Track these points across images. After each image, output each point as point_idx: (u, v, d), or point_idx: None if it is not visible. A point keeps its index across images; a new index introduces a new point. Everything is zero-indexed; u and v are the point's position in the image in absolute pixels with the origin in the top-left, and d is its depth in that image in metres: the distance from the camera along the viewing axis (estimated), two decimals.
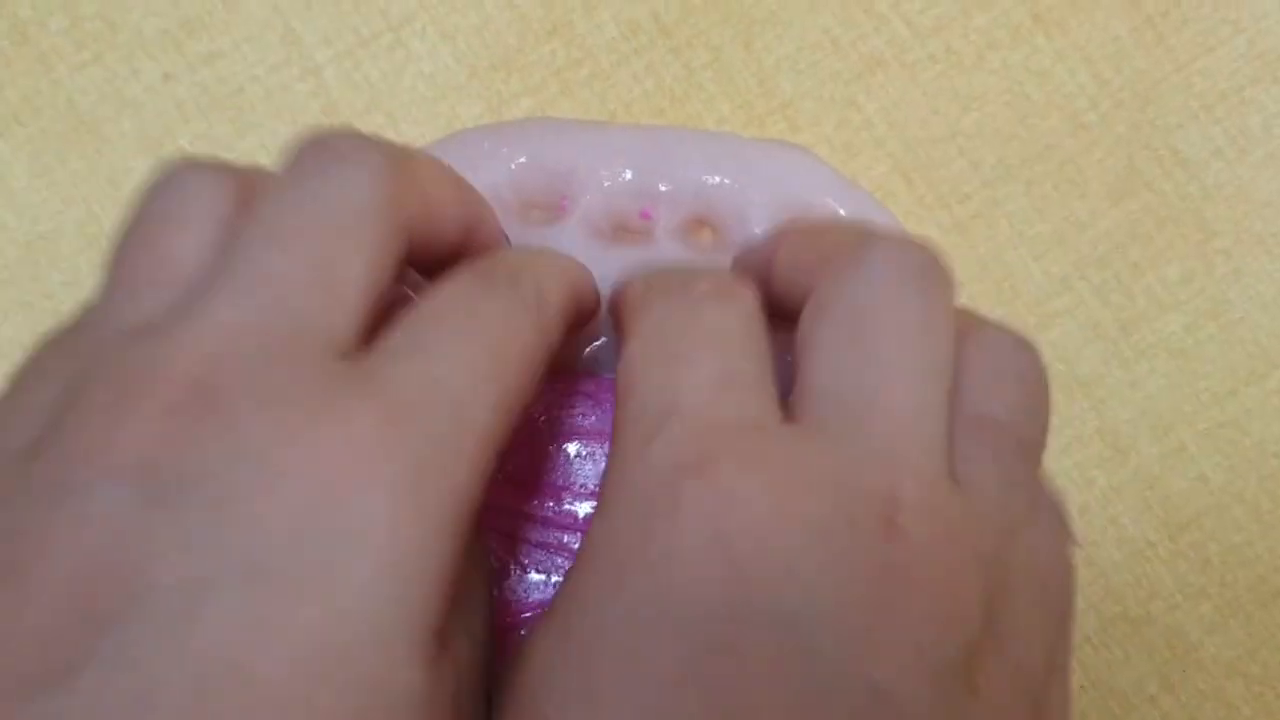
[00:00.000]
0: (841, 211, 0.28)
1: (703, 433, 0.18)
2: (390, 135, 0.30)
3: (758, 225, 0.28)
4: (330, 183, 0.19)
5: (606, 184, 0.28)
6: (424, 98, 0.31)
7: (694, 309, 0.21)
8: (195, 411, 0.17)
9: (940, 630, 0.17)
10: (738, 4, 0.31)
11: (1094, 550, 0.29)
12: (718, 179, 0.28)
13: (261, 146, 0.30)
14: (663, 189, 0.28)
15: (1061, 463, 0.29)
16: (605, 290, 0.26)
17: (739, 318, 0.20)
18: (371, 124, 0.30)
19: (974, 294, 0.30)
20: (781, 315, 0.22)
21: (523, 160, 0.28)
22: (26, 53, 0.31)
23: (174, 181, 0.20)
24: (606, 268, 0.27)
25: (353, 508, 0.16)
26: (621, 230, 0.28)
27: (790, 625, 0.17)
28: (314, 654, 0.16)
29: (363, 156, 0.20)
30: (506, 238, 0.26)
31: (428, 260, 0.22)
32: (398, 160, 0.20)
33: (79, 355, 0.18)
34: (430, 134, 0.30)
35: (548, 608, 0.19)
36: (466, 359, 0.18)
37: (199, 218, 0.19)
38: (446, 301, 0.19)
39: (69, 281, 0.30)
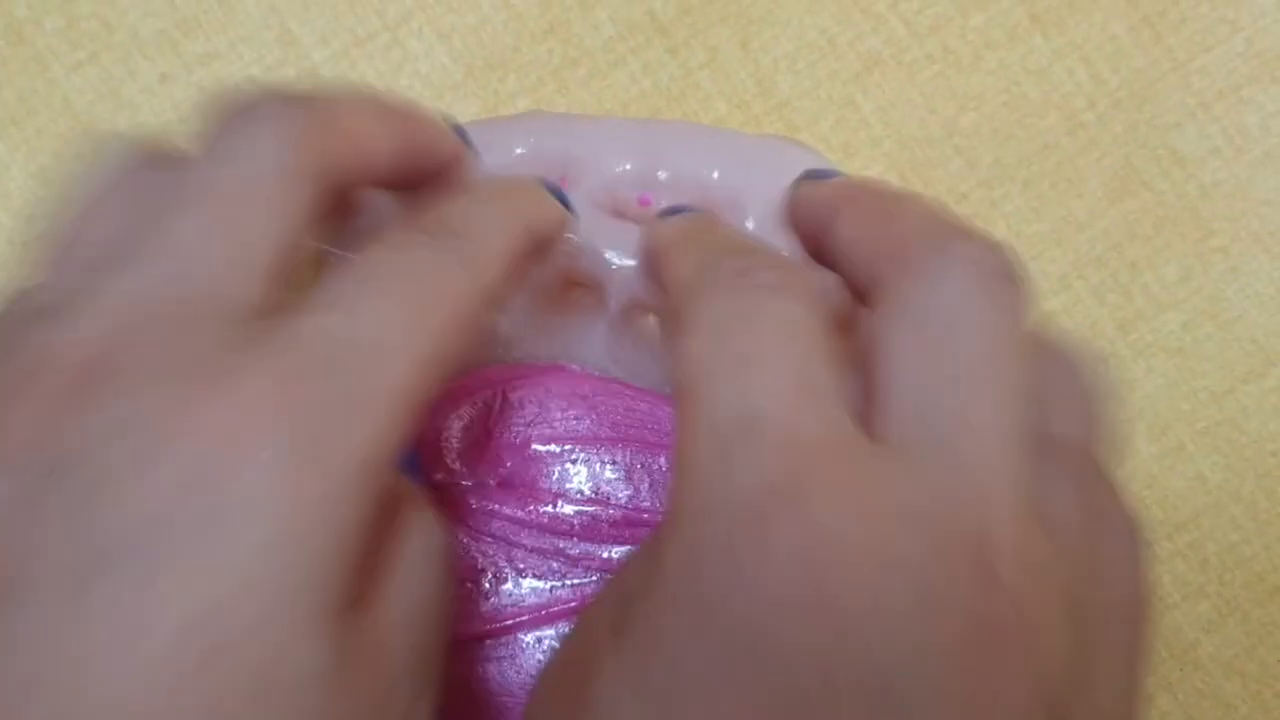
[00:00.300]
0: None
1: (789, 450, 0.17)
2: None
3: (752, 218, 0.28)
4: (236, 141, 0.19)
5: (605, 172, 0.28)
6: (421, 97, 0.31)
7: (759, 302, 0.19)
8: (85, 392, 0.16)
9: (1033, 689, 0.16)
10: (735, 3, 0.31)
11: None
12: (715, 173, 0.28)
13: None
14: (661, 177, 0.28)
15: None
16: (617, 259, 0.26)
17: (811, 312, 0.19)
18: None
19: None
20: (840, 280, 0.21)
21: (520, 152, 0.28)
22: (23, 53, 0.31)
23: (89, 162, 0.20)
24: (612, 238, 0.27)
25: (239, 475, 0.16)
26: (621, 216, 0.28)
27: (884, 682, 0.16)
28: (201, 631, 0.15)
29: (270, 111, 0.19)
30: (473, 152, 0.25)
31: (393, 187, 0.22)
32: (311, 109, 0.19)
33: None
34: None
35: (616, 628, 0.18)
36: (381, 312, 0.18)
37: (108, 193, 0.19)
38: (369, 257, 0.19)
39: None
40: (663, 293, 0.22)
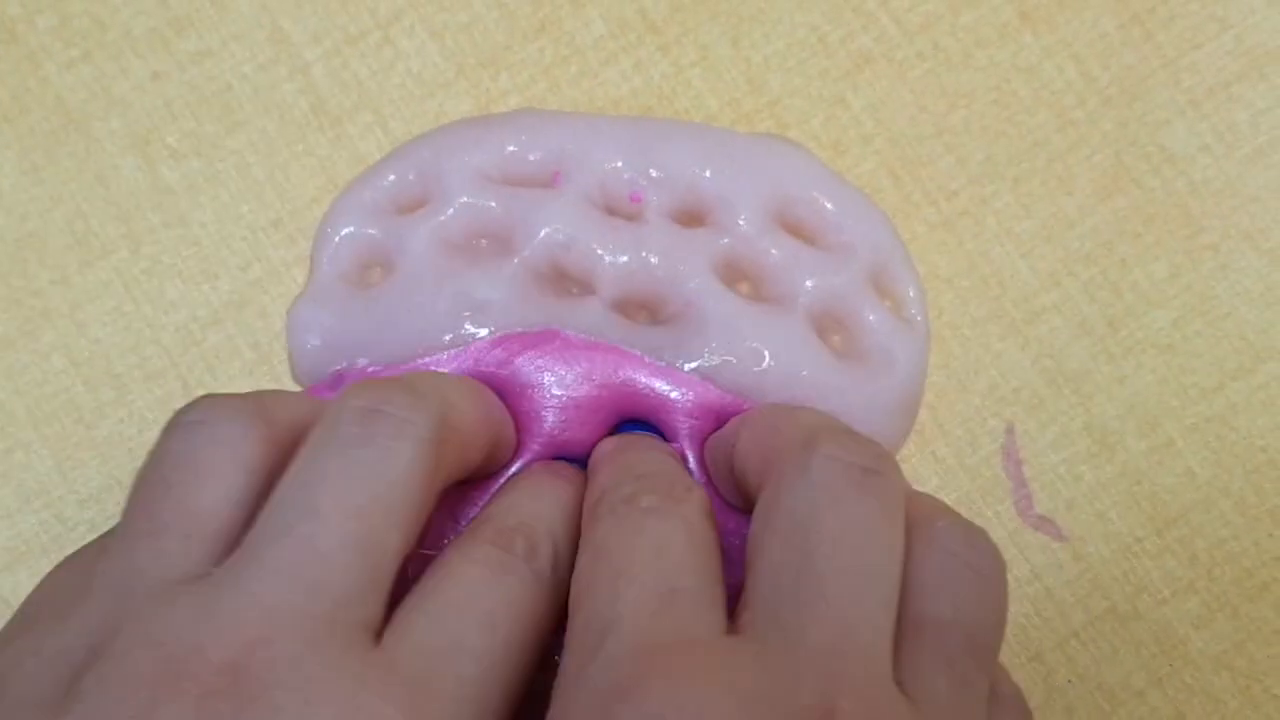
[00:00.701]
0: (829, 205, 0.28)
1: (638, 653, 0.18)
2: (379, 133, 0.30)
3: (744, 216, 0.28)
4: (375, 454, 0.19)
5: (597, 169, 0.28)
6: (412, 95, 0.31)
7: (638, 523, 0.21)
8: (233, 699, 0.17)
9: None
10: (725, 1, 0.31)
11: (1081, 546, 0.29)
12: (707, 171, 0.28)
13: (250, 144, 0.30)
14: (653, 175, 0.28)
15: (1049, 458, 0.29)
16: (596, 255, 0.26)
17: (684, 529, 0.21)
18: (360, 122, 0.30)
19: (961, 291, 0.30)
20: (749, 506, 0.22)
21: (513, 149, 0.28)
22: (15, 51, 0.31)
23: (201, 423, 0.20)
24: (603, 237, 0.27)
25: None
26: (613, 213, 0.28)
27: None
28: None
29: (413, 429, 0.20)
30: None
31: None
32: (443, 422, 0.21)
33: (103, 601, 0.18)
34: (418, 131, 0.30)
35: None
36: (488, 655, 0.19)
37: (227, 468, 0.20)
38: (468, 583, 0.20)
39: (57, 280, 0.30)
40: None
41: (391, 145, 0.30)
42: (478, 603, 0.20)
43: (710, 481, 0.26)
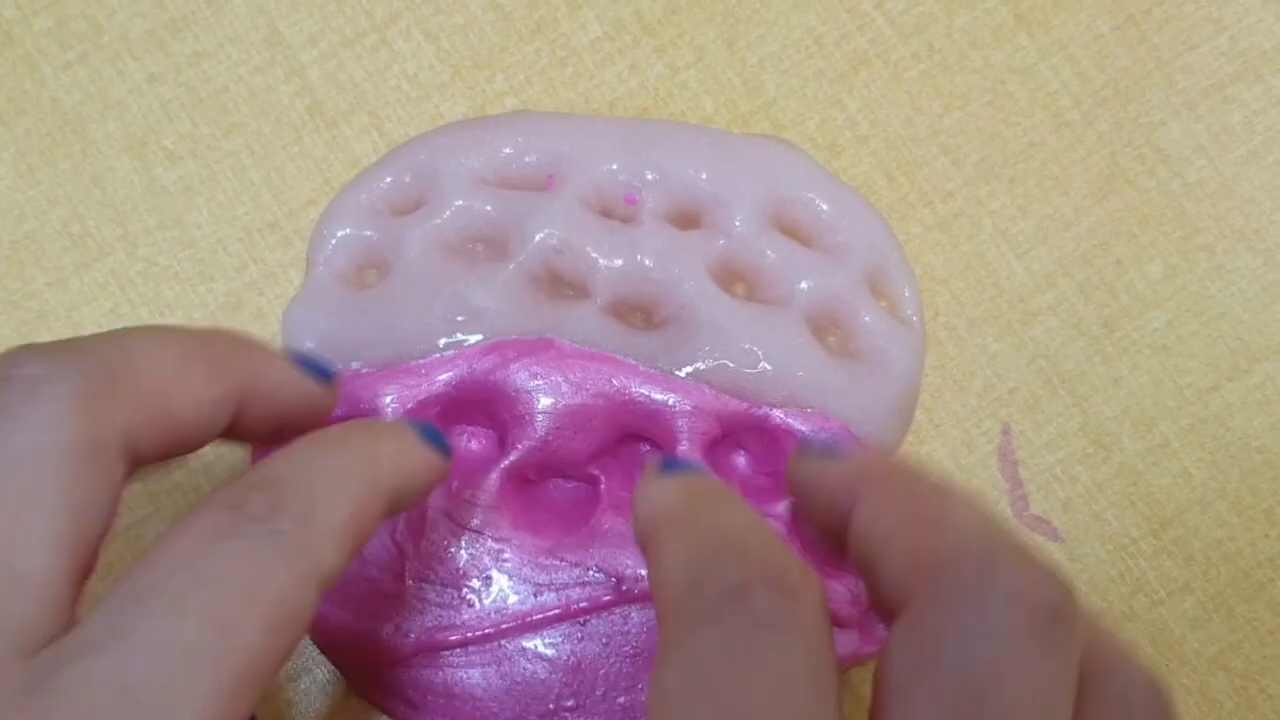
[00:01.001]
0: (825, 206, 0.28)
1: None
2: (375, 135, 0.30)
3: (740, 217, 0.28)
4: (6, 425, 0.16)
5: (592, 171, 0.28)
6: (408, 97, 0.31)
7: (751, 641, 0.16)
8: None
9: None
10: (721, 3, 0.31)
11: (1077, 547, 0.29)
12: (703, 174, 0.28)
13: (246, 147, 0.30)
14: (649, 177, 0.28)
15: (1044, 459, 0.29)
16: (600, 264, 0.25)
17: (810, 657, 0.16)
18: (356, 124, 0.31)
19: (956, 291, 0.30)
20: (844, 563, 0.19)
21: (508, 151, 0.28)
22: (11, 53, 0.31)
23: None
24: (598, 240, 0.27)
25: None
26: (608, 215, 0.28)
27: None
28: None
29: (52, 387, 0.16)
30: (330, 388, 0.22)
31: (248, 440, 0.19)
32: (106, 372, 0.17)
33: None
34: (414, 133, 0.30)
35: None
36: (179, 642, 0.15)
37: None
38: (163, 556, 0.16)
39: (53, 282, 0.30)
40: (651, 576, 0.19)
41: (388, 147, 0.30)
42: (173, 574, 0.16)
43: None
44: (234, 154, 0.30)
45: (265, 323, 0.30)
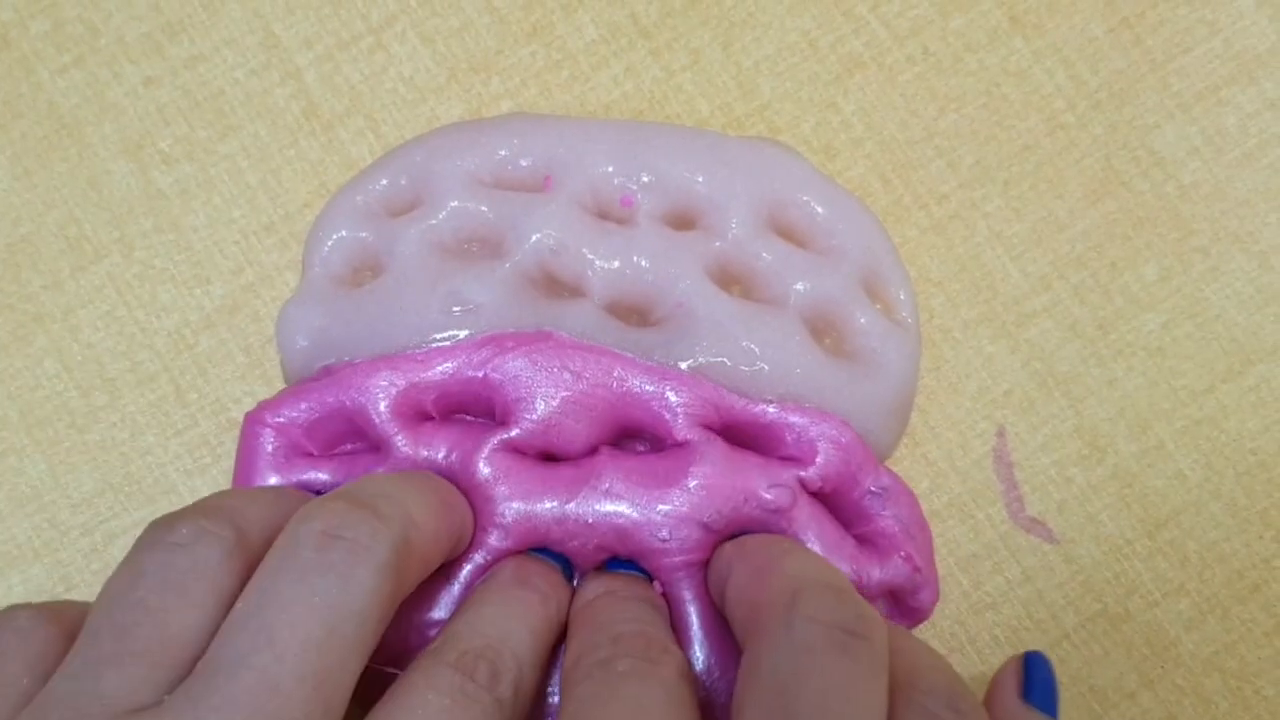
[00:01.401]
0: (820, 209, 0.28)
1: None
2: (370, 137, 0.31)
3: (735, 219, 0.28)
4: (333, 583, 0.19)
5: (588, 173, 0.28)
6: (404, 100, 0.31)
7: (614, 688, 0.21)
8: None
9: None
10: (717, 6, 0.31)
11: (1072, 548, 0.29)
12: (699, 176, 0.28)
13: (242, 149, 0.31)
14: (644, 179, 0.28)
15: (1040, 461, 0.29)
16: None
17: (661, 692, 0.21)
18: (352, 126, 0.31)
19: (951, 294, 0.30)
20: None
21: (504, 154, 0.28)
22: (8, 56, 0.31)
23: (180, 546, 0.20)
24: (593, 242, 0.27)
25: None
26: (605, 217, 0.28)
27: None
28: None
29: (369, 557, 0.20)
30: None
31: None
32: (403, 542, 0.21)
33: None
34: (410, 135, 0.30)
35: None
36: None
37: (206, 597, 0.20)
38: (425, 713, 0.20)
39: (50, 285, 0.30)
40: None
41: (383, 149, 0.30)
42: None
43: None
44: (230, 157, 0.30)
45: (262, 325, 0.30)
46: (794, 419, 0.27)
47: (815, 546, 0.26)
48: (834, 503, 0.28)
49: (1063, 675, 0.28)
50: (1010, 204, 0.30)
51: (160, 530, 0.21)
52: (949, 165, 0.30)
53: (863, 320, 0.28)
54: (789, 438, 0.27)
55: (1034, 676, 0.24)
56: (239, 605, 0.19)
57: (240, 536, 0.21)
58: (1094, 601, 0.29)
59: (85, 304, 0.30)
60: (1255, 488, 0.29)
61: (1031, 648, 0.28)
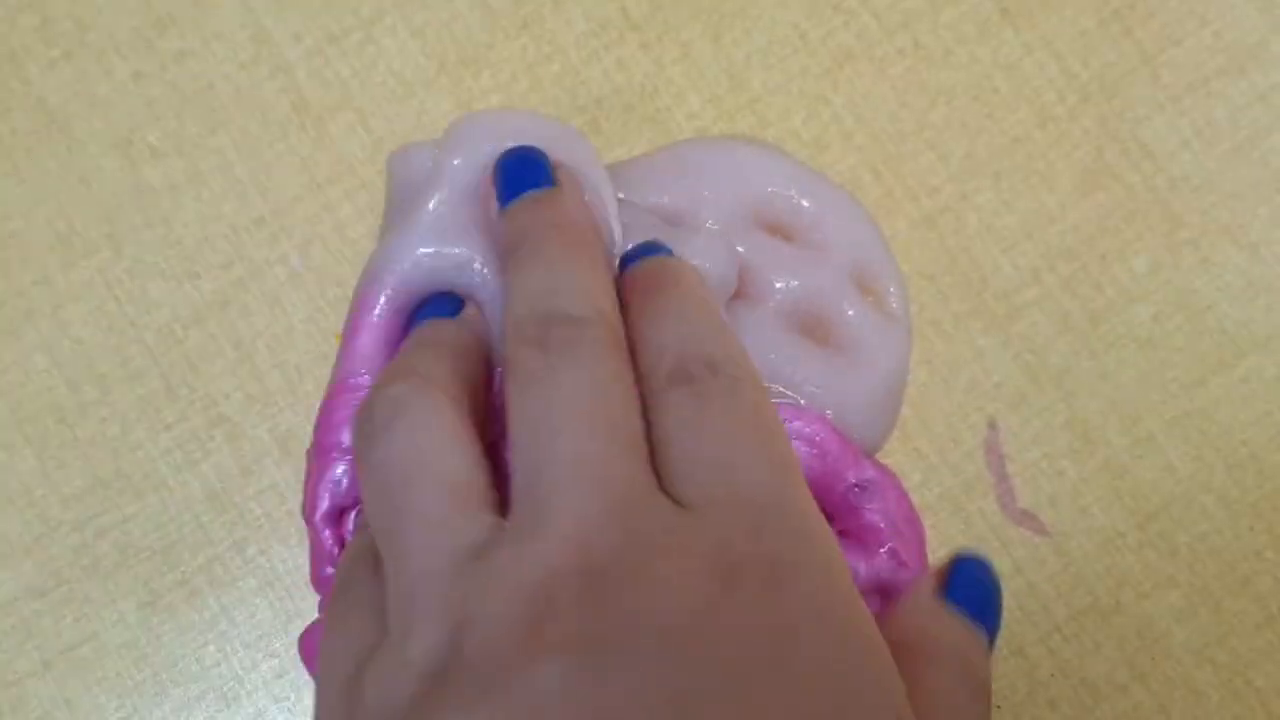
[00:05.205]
0: (807, 203, 0.28)
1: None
2: (361, 131, 0.30)
3: (710, 220, 0.28)
4: (577, 365, 0.20)
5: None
6: (394, 94, 0.31)
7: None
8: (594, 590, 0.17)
9: None
10: None
11: (1063, 541, 0.29)
12: (664, 197, 0.28)
13: (231, 144, 0.30)
14: (620, 196, 0.28)
15: (1031, 454, 0.29)
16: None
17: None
18: (342, 120, 0.31)
19: (942, 287, 0.30)
20: None
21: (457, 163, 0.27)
22: None
23: (392, 418, 0.20)
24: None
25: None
26: None
27: None
28: None
29: (588, 332, 0.21)
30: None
31: None
32: (603, 324, 0.21)
33: (429, 596, 0.18)
34: (400, 130, 0.30)
35: None
36: (769, 462, 0.20)
37: (446, 440, 0.20)
38: (698, 419, 0.20)
39: (40, 280, 0.30)
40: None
41: (373, 144, 0.30)
42: (720, 438, 0.20)
43: None
44: (220, 151, 0.30)
45: (251, 319, 0.30)
46: None
47: None
48: (816, 497, 0.27)
49: (1054, 667, 0.28)
50: (1001, 197, 0.30)
51: (363, 423, 0.21)
52: (940, 158, 0.30)
53: (852, 313, 0.28)
54: None
55: (960, 576, 0.22)
56: (511, 423, 0.20)
57: (429, 379, 0.21)
58: (1085, 594, 0.29)
59: (75, 299, 0.30)
60: (1246, 480, 0.29)
61: (1023, 640, 0.29)
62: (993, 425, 0.30)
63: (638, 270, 0.24)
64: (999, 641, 0.28)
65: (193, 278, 0.30)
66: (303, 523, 0.23)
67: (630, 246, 0.25)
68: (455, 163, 0.25)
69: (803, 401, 0.27)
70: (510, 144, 0.25)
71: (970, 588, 0.21)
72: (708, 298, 0.23)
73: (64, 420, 0.30)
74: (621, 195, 0.27)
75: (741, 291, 0.28)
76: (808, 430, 0.27)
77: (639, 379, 0.21)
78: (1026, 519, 0.29)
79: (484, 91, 0.31)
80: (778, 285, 0.28)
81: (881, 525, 0.27)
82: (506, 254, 0.23)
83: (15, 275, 0.30)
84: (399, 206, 0.27)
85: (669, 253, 0.24)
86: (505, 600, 0.17)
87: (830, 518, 0.28)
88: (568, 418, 0.19)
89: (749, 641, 0.17)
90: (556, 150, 0.26)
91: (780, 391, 0.27)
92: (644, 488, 0.19)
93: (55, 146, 0.30)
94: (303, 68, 0.31)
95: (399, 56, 0.31)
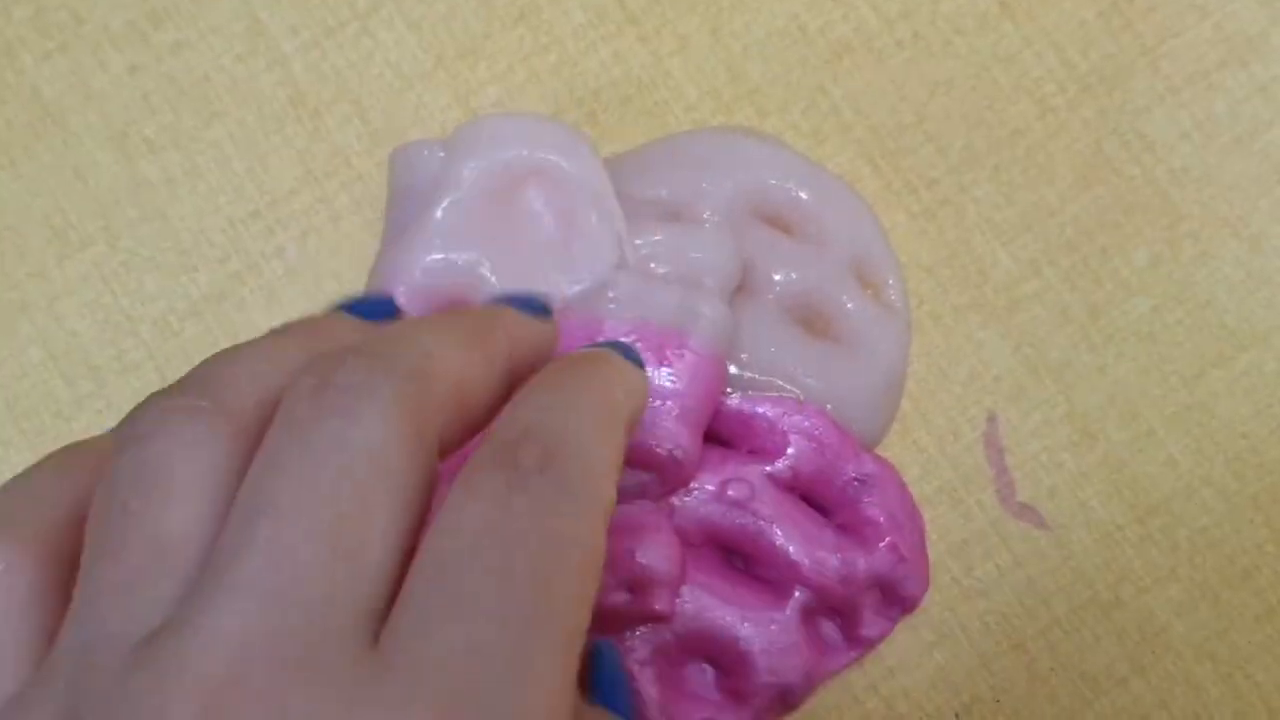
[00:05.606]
0: (805, 196, 0.28)
1: None
2: (357, 124, 0.30)
3: (708, 212, 0.28)
4: (335, 431, 0.17)
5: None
6: (390, 87, 0.31)
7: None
8: None
9: None
10: None
11: (1063, 534, 0.29)
12: (662, 190, 0.28)
13: (228, 137, 0.30)
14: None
15: (1030, 447, 0.29)
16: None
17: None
18: (339, 113, 0.30)
19: (942, 279, 0.30)
20: None
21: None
22: None
23: (149, 432, 0.17)
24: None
25: None
26: None
27: None
28: None
29: (371, 391, 0.17)
30: (547, 311, 0.22)
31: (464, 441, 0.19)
32: (415, 374, 0.17)
33: (62, 684, 0.16)
34: (397, 123, 0.30)
35: None
36: (513, 610, 0.16)
37: (189, 478, 0.17)
38: (469, 524, 0.17)
39: (35, 273, 0.30)
40: None
41: (370, 137, 0.30)
42: (480, 546, 0.16)
43: None
44: (216, 144, 0.30)
45: (248, 313, 0.30)
46: (763, 410, 0.27)
47: (788, 539, 0.26)
48: (816, 491, 0.27)
49: (1053, 661, 0.28)
50: (1000, 189, 0.30)
51: (125, 426, 0.18)
52: (939, 150, 0.30)
53: (851, 306, 0.28)
54: (762, 428, 0.27)
55: (601, 672, 0.20)
56: (240, 491, 0.17)
57: (220, 405, 0.17)
58: (1085, 588, 0.29)
59: (70, 292, 0.30)
60: (1246, 473, 0.29)
61: (1022, 634, 0.28)
62: (992, 418, 0.29)
63: (568, 355, 0.21)
64: (999, 635, 0.28)
65: (189, 271, 0.30)
66: None
67: (601, 340, 0.24)
68: (464, 169, 0.26)
69: (802, 396, 0.27)
70: (518, 148, 0.24)
71: (611, 681, 0.20)
72: (616, 401, 0.20)
73: (60, 414, 0.29)
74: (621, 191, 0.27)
75: (741, 285, 0.28)
76: (807, 424, 0.27)
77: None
78: (1026, 512, 0.29)
79: (481, 84, 0.30)
80: (777, 278, 0.28)
81: (881, 519, 0.27)
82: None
83: (10, 268, 0.30)
84: (403, 208, 0.27)
85: (628, 350, 0.22)
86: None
87: (830, 511, 0.28)
88: (291, 499, 0.16)
89: None
90: (559, 156, 0.26)
91: (780, 386, 0.27)
92: (338, 629, 0.16)
93: (50, 139, 0.30)
94: (299, 60, 0.31)
95: (396, 49, 0.31)
